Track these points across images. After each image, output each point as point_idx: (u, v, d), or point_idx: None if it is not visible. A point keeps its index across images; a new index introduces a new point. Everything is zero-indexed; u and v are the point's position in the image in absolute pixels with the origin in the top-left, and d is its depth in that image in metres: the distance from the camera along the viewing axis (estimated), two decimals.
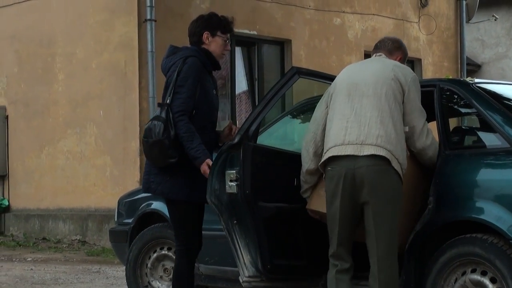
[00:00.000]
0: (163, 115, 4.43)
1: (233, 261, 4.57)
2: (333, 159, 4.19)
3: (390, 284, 4.09)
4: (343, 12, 12.43)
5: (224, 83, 11.35)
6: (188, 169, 4.45)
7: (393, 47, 4.60)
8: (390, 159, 4.07)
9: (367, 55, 12.78)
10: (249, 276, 4.48)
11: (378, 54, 4.58)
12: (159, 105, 4.54)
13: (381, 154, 4.07)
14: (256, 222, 4.42)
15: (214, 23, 4.55)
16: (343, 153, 4.14)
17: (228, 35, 4.58)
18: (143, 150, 4.60)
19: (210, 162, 4.43)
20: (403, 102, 4.22)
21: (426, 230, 4.27)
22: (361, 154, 4.09)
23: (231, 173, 4.43)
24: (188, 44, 4.69)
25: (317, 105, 4.48)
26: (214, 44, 4.54)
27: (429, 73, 13.72)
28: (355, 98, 4.24)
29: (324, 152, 4.26)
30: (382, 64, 4.37)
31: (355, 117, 4.18)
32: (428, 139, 4.28)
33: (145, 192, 4.82)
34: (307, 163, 4.43)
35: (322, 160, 4.25)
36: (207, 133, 4.55)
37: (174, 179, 4.47)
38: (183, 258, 4.53)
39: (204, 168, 4.41)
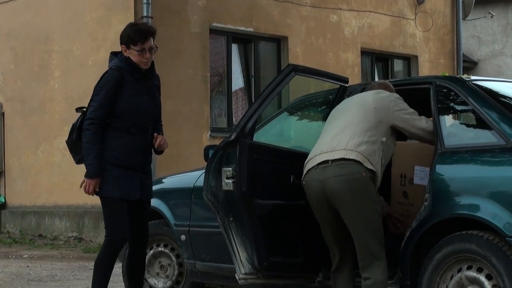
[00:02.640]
0: (76, 120, 4.83)
1: (229, 258, 4.58)
2: (307, 172, 4.38)
3: (375, 284, 4.17)
4: (340, 9, 12.44)
5: (220, 80, 11.35)
6: (108, 166, 4.70)
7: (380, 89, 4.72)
8: (362, 161, 4.20)
9: (363, 52, 12.90)
10: (245, 273, 4.48)
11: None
12: (77, 110, 4.90)
13: (351, 157, 4.21)
14: (253, 219, 4.42)
15: (125, 38, 4.80)
16: (314, 164, 4.31)
17: (147, 43, 4.76)
18: None
19: (94, 183, 4.64)
20: (390, 122, 4.38)
21: (422, 227, 4.28)
22: (332, 158, 4.23)
23: (228, 170, 4.43)
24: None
25: None
26: (131, 55, 4.79)
27: (425, 70, 13.74)
28: (334, 120, 4.49)
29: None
30: (362, 94, 4.58)
31: (330, 132, 4.42)
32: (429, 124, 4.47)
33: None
34: None
35: (303, 176, 4.40)
36: (130, 136, 4.77)
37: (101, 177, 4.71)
38: (108, 248, 4.77)
39: (88, 183, 4.65)
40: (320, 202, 4.31)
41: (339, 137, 4.32)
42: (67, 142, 4.86)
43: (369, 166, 4.21)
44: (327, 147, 4.31)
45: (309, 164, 4.36)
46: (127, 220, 4.78)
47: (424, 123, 4.44)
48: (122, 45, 4.80)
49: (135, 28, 4.81)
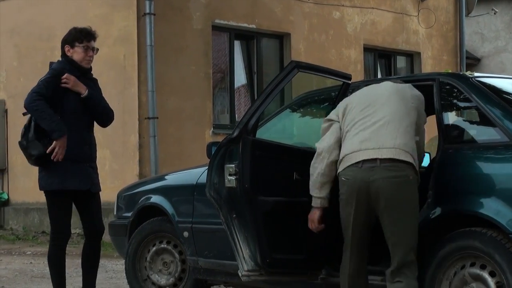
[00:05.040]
0: (27, 121, 5.16)
1: (232, 254, 4.57)
2: (349, 167, 4.19)
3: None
4: (342, 5, 12.42)
5: (223, 77, 11.35)
6: (60, 161, 5.03)
7: None
8: (412, 162, 4.11)
9: (366, 49, 12.89)
10: (248, 270, 4.47)
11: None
12: (24, 114, 5.23)
13: (400, 158, 4.08)
14: (255, 216, 4.42)
15: (71, 36, 5.25)
16: (358, 160, 4.12)
17: (91, 42, 5.23)
18: None
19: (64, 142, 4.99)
20: (421, 123, 4.36)
21: (425, 224, 4.27)
22: (380, 157, 4.07)
23: (230, 167, 4.42)
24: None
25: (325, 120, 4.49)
26: (75, 54, 5.21)
27: (428, 66, 13.72)
28: (371, 109, 4.26)
29: (340, 158, 4.26)
30: (398, 86, 4.42)
31: (370, 124, 4.20)
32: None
33: (41, 190, 5.31)
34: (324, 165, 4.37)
35: (340, 169, 4.23)
36: (74, 130, 5.09)
37: (47, 171, 5.13)
38: (56, 245, 5.19)
39: (61, 143, 4.98)
40: (360, 202, 4.15)
41: (385, 132, 4.14)
42: (20, 142, 5.14)
43: (416, 168, 4.15)
44: (373, 143, 4.13)
45: (350, 159, 4.18)
46: (71, 215, 5.18)
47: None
48: (66, 45, 5.22)
49: (80, 28, 5.29)
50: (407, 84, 4.45)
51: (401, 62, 13.78)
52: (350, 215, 4.22)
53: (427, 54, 13.84)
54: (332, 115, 4.46)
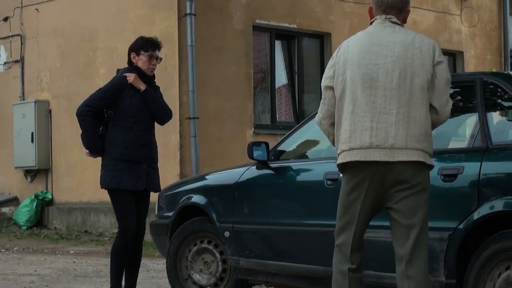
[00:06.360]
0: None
1: (273, 254, 4.56)
2: (354, 163, 3.75)
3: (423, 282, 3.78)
4: None
5: (263, 77, 11.35)
6: (116, 161, 5.38)
7: (403, 3, 3.99)
8: (424, 159, 3.74)
9: None
10: None
11: (388, 16, 3.91)
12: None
13: (413, 159, 3.69)
14: None
15: (137, 44, 5.61)
16: (367, 159, 3.70)
17: (156, 51, 5.59)
18: None
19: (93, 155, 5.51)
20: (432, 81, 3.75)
21: (468, 224, 4.22)
22: (392, 160, 3.67)
23: None
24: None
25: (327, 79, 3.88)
26: (140, 61, 5.57)
27: (471, 66, 13.56)
28: (377, 90, 3.72)
29: (341, 150, 3.79)
30: (403, 44, 3.77)
31: (379, 115, 3.70)
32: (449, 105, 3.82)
33: (101, 188, 5.59)
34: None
35: (342, 161, 3.77)
36: (133, 132, 5.45)
37: (107, 171, 5.45)
38: (122, 239, 5.43)
39: (92, 155, 5.55)
40: (370, 192, 3.74)
41: (396, 126, 3.68)
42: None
43: (429, 162, 3.77)
44: (381, 139, 3.68)
45: (357, 154, 3.71)
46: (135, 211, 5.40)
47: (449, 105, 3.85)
48: (132, 53, 5.56)
49: (147, 38, 5.64)
50: (439, 56, 3.79)
51: None
52: (357, 207, 3.80)
53: (470, 54, 13.68)
54: (329, 80, 3.86)
